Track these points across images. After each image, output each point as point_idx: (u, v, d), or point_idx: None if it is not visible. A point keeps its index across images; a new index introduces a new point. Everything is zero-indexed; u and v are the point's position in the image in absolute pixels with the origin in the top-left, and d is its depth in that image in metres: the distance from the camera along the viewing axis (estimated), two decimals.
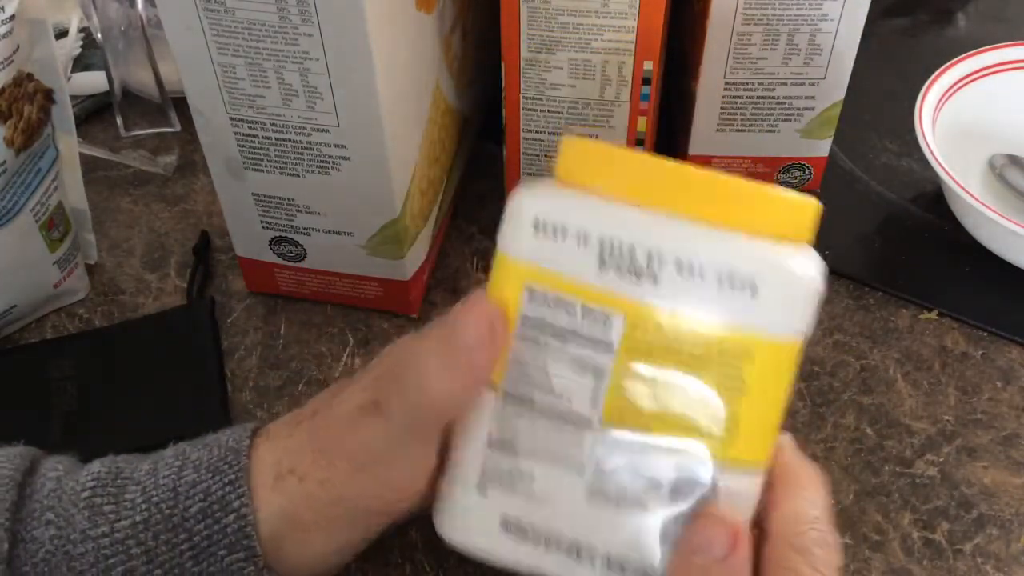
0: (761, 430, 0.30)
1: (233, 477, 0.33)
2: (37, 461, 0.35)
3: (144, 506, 0.33)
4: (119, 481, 0.34)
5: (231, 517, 0.33)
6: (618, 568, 0.31)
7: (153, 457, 0.35)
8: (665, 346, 0.29)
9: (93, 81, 0.64)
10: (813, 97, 0.52)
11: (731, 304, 0.29)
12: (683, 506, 0.30)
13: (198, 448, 0.35)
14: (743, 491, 0.30)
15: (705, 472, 0.30)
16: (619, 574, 0.31)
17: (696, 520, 0.29)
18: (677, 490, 0.30)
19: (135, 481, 0.34)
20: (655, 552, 0.30)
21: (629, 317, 0.30)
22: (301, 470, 0.34)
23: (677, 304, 0.29)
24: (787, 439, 0.33)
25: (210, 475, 0.33)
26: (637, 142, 0.50)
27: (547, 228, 0.30)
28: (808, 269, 0.30)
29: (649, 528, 0.30)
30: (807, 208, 0.30)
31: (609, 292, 0.30)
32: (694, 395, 0.30)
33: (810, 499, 0.32)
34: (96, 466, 0.34)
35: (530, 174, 0.53)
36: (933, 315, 0.52)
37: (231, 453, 0.34)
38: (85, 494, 0.33)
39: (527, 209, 0.31)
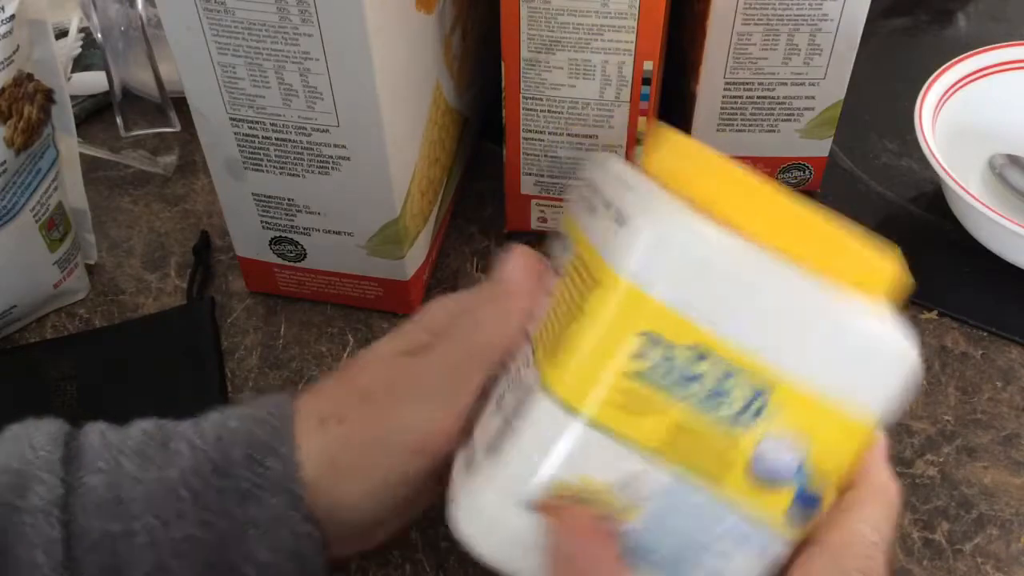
0: (583, 370, 0.28)
1: (278, 424, 0.34)
2: (73, 426, 0.35)
3: (190, 454, 0.33)
4: (164, 434, 0.34)
5: (275, 461, 0.33)
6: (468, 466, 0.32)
7: (195, 418, 0.36)
8: (573, 266, 0.31)
9: (93, 81, 0.64)
10: (813, 97, 0.52)
11: (606, 231, 0.29)
12: (515, 422, 0.30)
13: (240, 407, 0.36)
14: (559, 432, 0.29)
15: (534, 396, 0.29)
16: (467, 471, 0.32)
17: (550, 529, 0.29)
18: (517, 407, 0.30)
19: (180, 435, 0.34)
20: (481, 445, 0.31)
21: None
22: (341, 413, 0.34)
23: (586, 231, 0.30)
24: (879, 441, 0.31)
25: (255, 424, 0.34)
26: (637, 142, 0.50)
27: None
28: (681, 227, 0.28)
29: (496, 430, 0.31)
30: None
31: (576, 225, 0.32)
32: (558, 313, 0.30)
33: (873, 519, 0.30)
34: (140, 423, 0.35)
35: (530, 174, 0.53)
36: (933, 315, 0.52)
37: (274, 405, 0.35)
38: (132, 443, 0.34)
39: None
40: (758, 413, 0.28)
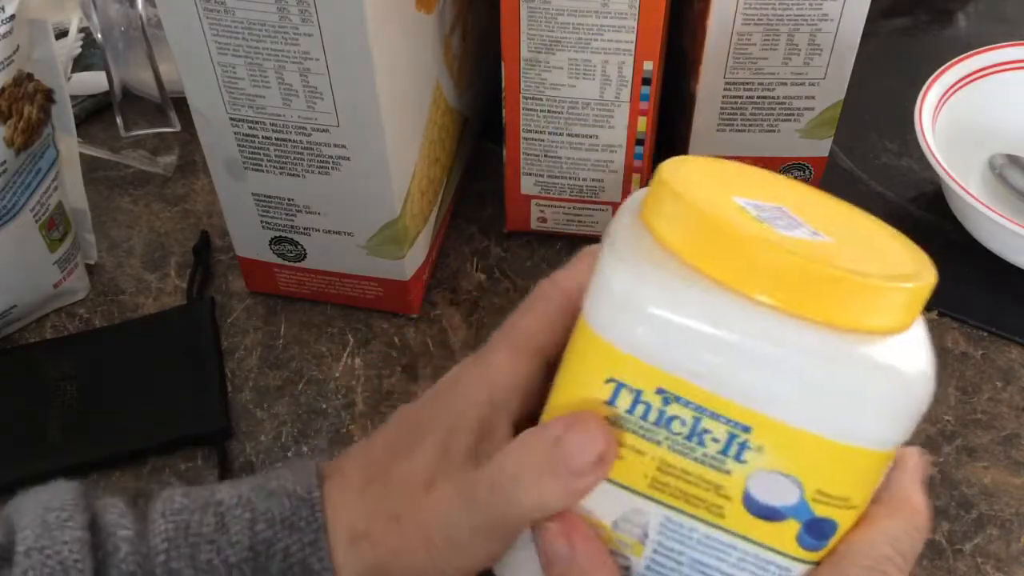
0: (557, 398, 0.30)
1: (313, 537, 0.32)
2: (93, 511, 0.33)
3: (223, 568, 0.32)
4: (190, 539, 0.33)
5: None
6: None
7: (214, 505, 0.34)
8: None
9: (93, 81, 0.64)
10: (813, 97, 0.52)
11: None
12: None
13: (263, 496, 0.34)
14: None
15: None
16: None
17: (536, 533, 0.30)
18: None
19: (206, 539, 0.33)
20: None
21: None
22: (374, 535, 0.33)
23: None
24: (914, 460, 0.31)
25: (287, 532, 0.33)
26: (637, 142, 0.50)
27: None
28: (626, 283, 0.28)
29: None
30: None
31: None
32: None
33: (891, 533, 0.29)
34: (160, 524, 0.33)
35: (530, 174, 0.53)
36: (933, 315, 0.52)
37: (304, 506, 0.33)
38: (160, 558, 0.32)
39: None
40: (741, 451, 0.28)
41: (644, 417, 0.29)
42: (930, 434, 0.47)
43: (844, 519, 0.29)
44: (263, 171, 0.46)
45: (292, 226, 0.48)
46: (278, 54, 0.41)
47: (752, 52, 0.50)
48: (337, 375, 0.50)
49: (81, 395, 0.48)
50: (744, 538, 0.29)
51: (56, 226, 0.50)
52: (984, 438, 0.47)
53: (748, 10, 0.49)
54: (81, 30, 0.68)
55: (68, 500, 0.33)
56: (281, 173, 0.46)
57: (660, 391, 0.28)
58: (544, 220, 0.55)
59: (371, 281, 0.50)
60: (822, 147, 0.55)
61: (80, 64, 0.67)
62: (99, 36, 0.58)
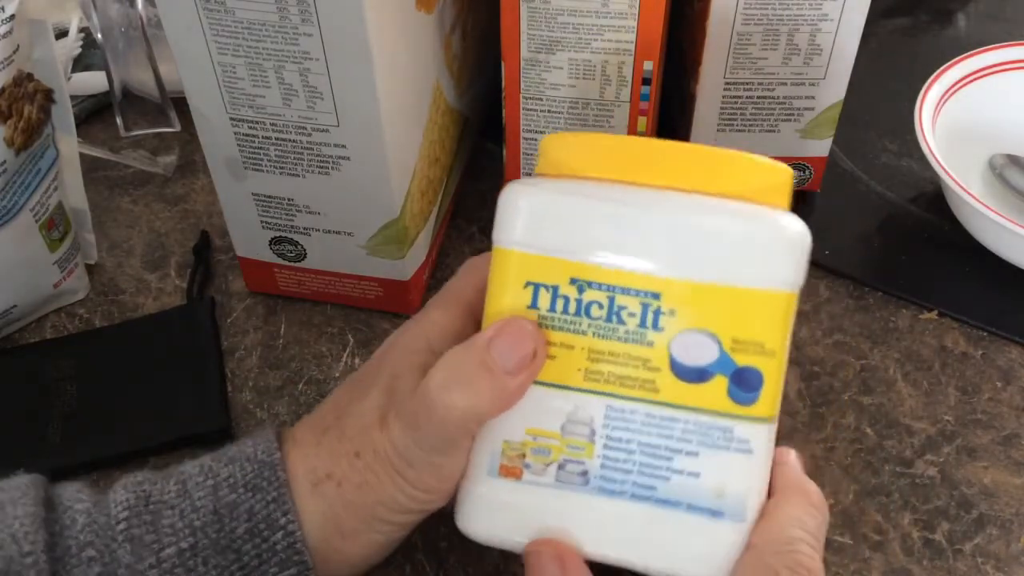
0: (485, 321, 0.33)
1: (276, 495, 0.33)
2: (50, 492, 0.33)
3: (187, 531, 0.32)
4: (151, 507, 0.33)
5: (279, 535, 0.32)
6: None
7: (175, 476, 0.34)
8: None
9: (93, 81, 0.64)
10: (813, 97, 0.52)
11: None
12: None
13: (224, 464, 0.34)
14: None
15: None
16: None
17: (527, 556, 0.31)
18: None
19: (168, 505, 0.33)
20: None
21: None
22: (338, 475, 0.33)
23: None
24: (792, 455, 0.34)
25: (250, 494, 0.33)
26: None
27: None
28: (520, 192, 0.32)
29: None
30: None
31: None
32: None
33: (795, 516, 0.31)
34: (121, 494, 0.33)
35: (530, 174, 0.53)
36: (933, 315, 0.52)
37: (266, 468, 0.33)
38: (121, 526, 0.32)
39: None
40: (657, 318, 0.31)
41: (565, 311, 0.32)
42: (930, 434, 0.47)
43: (767, 368, 0.31)
44: (263, 171, 0.46)
45: (292, 226, 0.48)
46: (278, 54, 0.41)
47: (752, 52, 0.50)
48: (337, 375, 0.50)
49: (81, 395, 0.48)
50: (681, 407, 0.31)
51: (56, 226, 0.51)
52: (984, 438, 0.47)
53: (748, 10, 0.49)
54: (81, 30, 0.68)
55: (23, 483, 0.33)
56: (281, 173, 0.46)
57: (573, 281, 0.31)
58: None
59: (371, 281, 0.50)
60: (822, 147, 0.55)
61: (80, 64, 0.67)
62: (99, 36, 0.58)
